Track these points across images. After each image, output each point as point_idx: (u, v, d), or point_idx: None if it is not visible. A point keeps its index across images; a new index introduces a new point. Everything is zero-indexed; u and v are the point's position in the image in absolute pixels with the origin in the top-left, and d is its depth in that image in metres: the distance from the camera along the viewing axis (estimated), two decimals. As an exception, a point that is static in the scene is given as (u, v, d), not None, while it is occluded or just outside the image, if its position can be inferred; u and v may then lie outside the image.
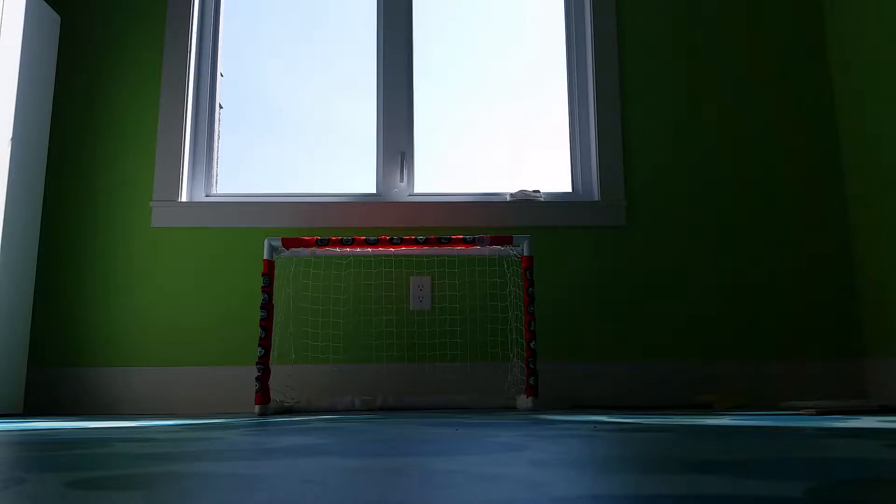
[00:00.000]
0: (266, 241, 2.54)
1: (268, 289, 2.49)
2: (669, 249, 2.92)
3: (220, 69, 3.14)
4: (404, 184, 3.01)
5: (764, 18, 3.10)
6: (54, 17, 2.85)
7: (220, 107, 3.13)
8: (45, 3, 2.78)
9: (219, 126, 3.11)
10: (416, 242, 2.54)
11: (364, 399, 2.51)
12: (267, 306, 2.47)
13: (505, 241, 2.56)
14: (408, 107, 3.08)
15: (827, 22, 3.08)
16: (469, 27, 3.27)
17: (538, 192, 2.96)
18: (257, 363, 2.43)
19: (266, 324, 2.46)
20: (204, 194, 3.00)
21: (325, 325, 2.83)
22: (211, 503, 0.54)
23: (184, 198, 2.95)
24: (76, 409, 2.75)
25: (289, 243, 2.53)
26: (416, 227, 2.90)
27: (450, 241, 2.56)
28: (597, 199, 2.96)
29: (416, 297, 2.84)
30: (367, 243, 2.52)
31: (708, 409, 2.51)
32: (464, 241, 2.55)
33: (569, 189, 3.05)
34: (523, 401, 2.45)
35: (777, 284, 2.90)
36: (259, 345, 2.44)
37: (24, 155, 2.63)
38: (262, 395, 2.40)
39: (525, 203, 2.92)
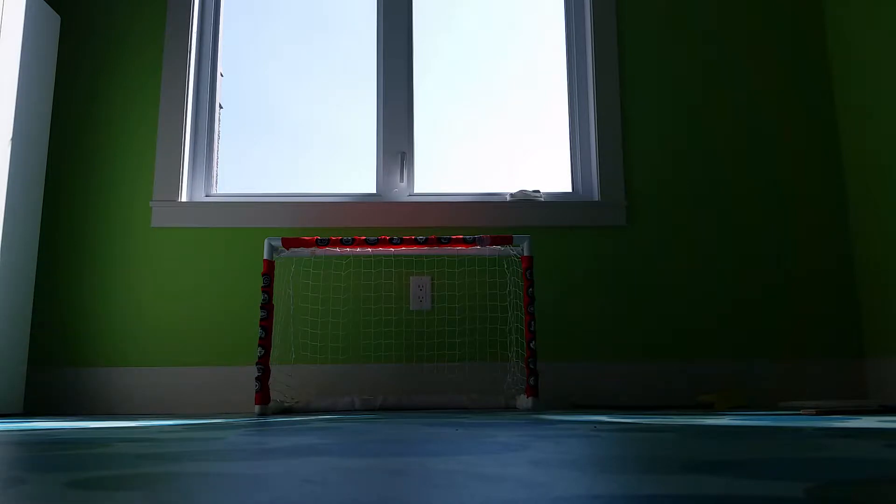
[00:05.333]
0: (266, 241, 2.54)
1: (268, 289, 2.49)
2: (669, 249, 2.92)
3: (220, 69, 3.14)
4: (404, 184, 3.01)
5: (765, 19, 3.10)
6: (54, 17, 2.85)
7: (220, 107, 3.14)
8: (45, 3, 2.78)
9: (219, 126, 3.11)
10: (416, 242, 2.54)
11: (364, 399, 2.51)
12: (267, 306, 2.47)
13: (505, 241, 2.56)
14: (408, 107, 3.08)
15: (828, 22, 3.08)
16: (469, 27, 3.27)
17: (538, 192, 2.96)
18: (257, 363, 2.44)
19: (266, 324, 2.46)
20: (204, 194, 3.00)
21: (325, 325, 2.83)
22: (211, 503, 0.54)
23: (184, 198, 2.95)
24: (76, 409, 2.75)
25: (289, 243, 2.53)
26: (416, 227, 2.90)
27: (450, 241, 2.56)
28: (597, 199, 2.96)
29: (416, 297, 2.84)
30: (367, 243, 2.52)
31: (708, 409, 2.51)
32: (464, 241, 2.55)
33: (569, 189, 3.05)
34: (523, 401, 2.45)
35: (777, 284, 2.90)
36: (259, 345, 2.44)
37: (24, 155, 2.63)
38: (262, 395, 2.40)
39: (525, 203, 2.92)
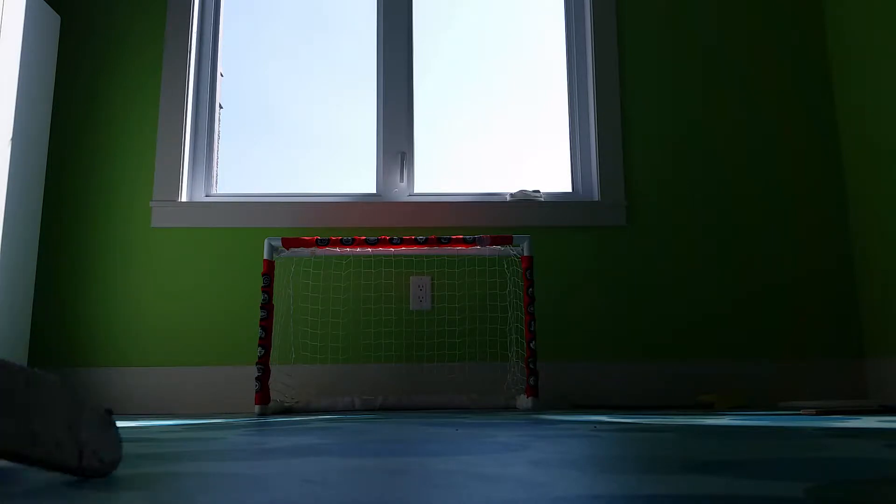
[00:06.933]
0: (266, 241, 2.54)
1: (268, 289, 2.49)
2: (669, 249, 2.92)
3: (220, 69, 3.14)
4: (404, 184, 3.01)
5: (765, 19, 3.10)
6: (54, 17, 2.85)
7: (220, 107, 3.14)
8: (45, 3, 2.78)
9: (219, 126, 3.11)
10: (416, 242, 2.54)
11: (364, 399, 2.51)
12: (267, 306, 2.47)
13: (505, 241, 2.56)
14: (408, 107, 3.08)
15: (828, 22, 3.08)
16: (469, 28, 3.27)
17: (538, 192, 2.96)
18: (257, 363, 2.44)
19: (266, 324, 2.46)
20: (204, 194, 3.00)
21: (325, 325, 2.83)
22: (210, 503, 0.54)
23: (184, 198, 2.95)
24: (76, 409, 2.74)
25: (289, 243, 2.53)
26: (416, 227, 2.90)
27: (450, 241, 2.56)
28: (597, 199, 2.96)
29: (416, 297, 2.84)
30: (367, 243, 2.53)
31: (708, 409, 2.51)
32: (464, 241, 2.55)
33: (569, 189, 3.05)
34: (523, 401, 2.45)
35: (777, 284, 2.90)
36: (259, 345, 2.44)
37: (24, 155, 2.63)
38: (262, 395, 2.40)
39: (525, 203, 2.92)
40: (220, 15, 3.18)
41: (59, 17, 2.89)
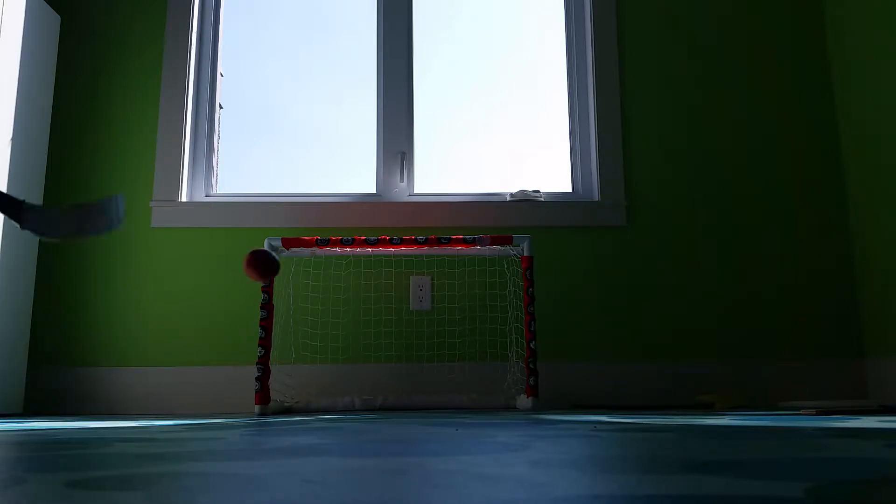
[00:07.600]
0: (266, 241, 2.54)
1: (268, 289, 2.49)
2: (669, 249, 2.92)
3: (220, 69, 3.14)
4: (404, 184, 3.02)
5: (765, 19, 3.10)
6: (54, 17, 2.85)
7: (220, 107, 3.14)
8: (45, 3, 2.78)
9: (219, 126, 3.11)
10: (416, 242, 2.54)
11: (364, 399, 2.51)
12: (267, 306, 2.47)
13: (505, 241, 2.56)
14: (408, 107, 3.08)
15: (828, 22, 3.08)
16: (469, 28, 3.27)
17: (538, 192, 2.96)
18: (257, 363, 2.44)
19: (266, 324, 2.46)
20: (204, 194, 3.00)
21: (325, 325, 2.83)
22: (210, 503, 0.54)
23: (184, 198, 2.95)
24: (76, 409, 2.75)
25: (289, 243, 2.53)
26: (416, 227, 2.90)
27: (450, 241, 2.56)
28: (597, 199, 2.96)
29: (416, 297, 2.84)
30: (367, 243, 2.53)
31: (708, 409, 2.51)
32: (464, 241, 2.55)
33: (569, 189, 3.05)
34: (523, 401, 2.45)
35: (777, 284, 2.90)
36: (259, 345, 2.44)
37: (24, 155, 2.63)
38: (262, 395, 2.40)
39: (525, 203, 2.92)
40: (220, 15, 3.18)
41: (59, 17, 2.89)
